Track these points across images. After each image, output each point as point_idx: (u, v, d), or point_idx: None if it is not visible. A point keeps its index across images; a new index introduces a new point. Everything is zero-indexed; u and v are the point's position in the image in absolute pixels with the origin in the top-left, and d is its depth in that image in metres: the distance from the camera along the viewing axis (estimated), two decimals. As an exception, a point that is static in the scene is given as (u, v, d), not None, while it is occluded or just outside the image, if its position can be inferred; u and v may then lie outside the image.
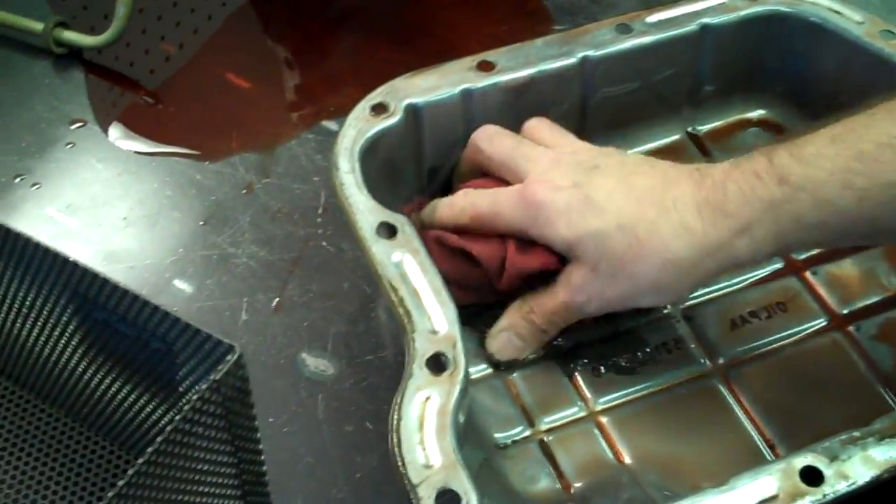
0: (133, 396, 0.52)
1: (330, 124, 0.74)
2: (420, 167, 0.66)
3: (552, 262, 0.58)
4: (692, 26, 0.67)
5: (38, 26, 0.77)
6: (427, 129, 0.64)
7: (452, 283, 0.56)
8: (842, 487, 0.47)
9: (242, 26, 0.84)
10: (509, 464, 0.56)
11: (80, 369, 0.54)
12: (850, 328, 0.62)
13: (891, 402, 0.58)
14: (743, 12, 0.68)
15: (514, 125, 0.65)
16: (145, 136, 0.74)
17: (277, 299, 0.65)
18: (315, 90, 0.79)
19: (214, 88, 0.78)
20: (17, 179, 0.71)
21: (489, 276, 0.59)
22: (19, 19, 0.78)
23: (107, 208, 0.69)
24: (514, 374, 0.60)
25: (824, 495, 0.47)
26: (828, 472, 0.47)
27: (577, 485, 0.56)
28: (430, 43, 0.81)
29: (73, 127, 0.75)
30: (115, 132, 0.74)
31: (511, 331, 0.60)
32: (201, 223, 0.69)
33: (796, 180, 0.51)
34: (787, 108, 0.73)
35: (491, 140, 0.62)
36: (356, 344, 0.63)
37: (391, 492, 0.57)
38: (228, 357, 0.42)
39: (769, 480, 0.47)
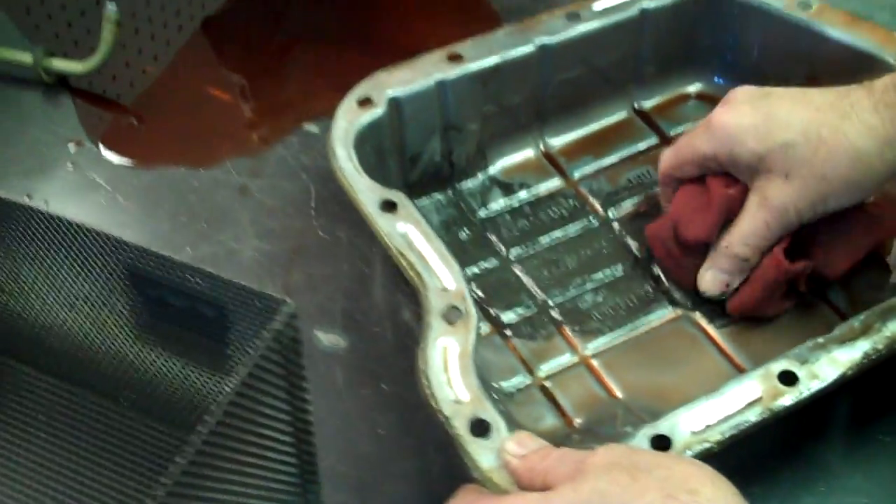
0: (189, 372, 0.57)
1: (310, 127, 0.80)
2: (402, 155, 0.72)
3: (729, 191, 0.64)
4: (633, 11, 0.75)
5: (28, 58, 0.81)
6: (407, 118, 0.70)
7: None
8: (815, 385, 0.54)
9: (217, 40, 0.89)
10: (517, 408, 0.63)
11: (131, 354, 0.58)
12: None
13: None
14: (679, -3, 0.76)
15: (483, 112, 0.72)
16: (138, 151, 0.79)
17: (284, 284, 0.70)
18: (291, 99, 0.84)
19: (197, 102, 0.83)
20: (27, 198, 0.75)
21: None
22: (7, 52, 0.82)
23: (111, 218, 0.74)
24: (510, 334, 0.67)
25: (800, 393, 0.54)
26: (801, 373, 0.55)
27: (578, 420, 0.62)
28: (395, 50, 0.87)
29: (71, 148, 0.79)
30: (111, 150, 0.79)
31: (714, 268, 0.65)
32: (204, 224, 0.74)
33: None
34: (721, 80, 0.80)
35: (680, 145, 0.67)
36: (362, 318, 0.69)
37: (412, 443, 0.62)
38: (284, 309, 0.48)
39: (753, 384, 0.54)
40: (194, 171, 0.78)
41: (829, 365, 0.55)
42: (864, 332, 0.56)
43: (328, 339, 0.67)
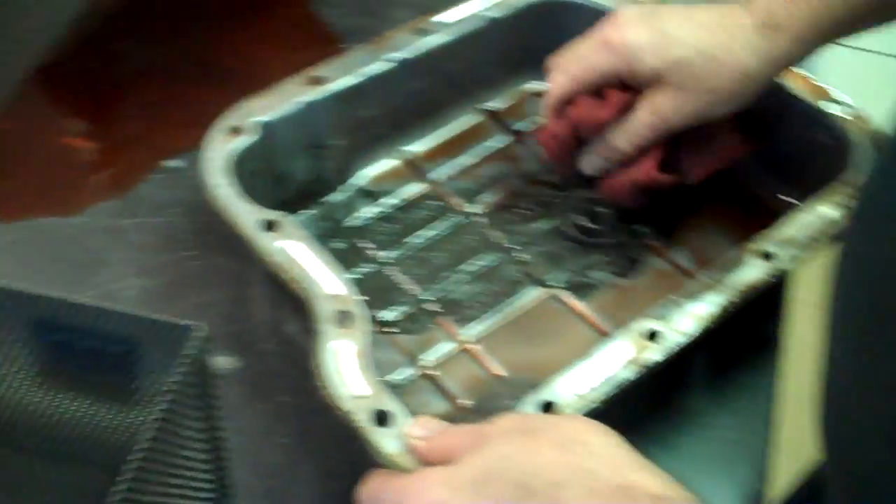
0: (98, 410, 0.58)
1: (174, 162, 0.82)
2: (273, 176, 0.75)
3: (629, 98, 0.70)
4: (479, 22, 0.80)
5: None
6: (276, 142, 0.73)
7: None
8: (679, 339, 0.60)
9: (56, 87, 0.90)
10: (407, 399, 0.66)
11: (43, 402, 0.58)
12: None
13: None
14: (518, 6, 0.82)
15: (346, 128, 0.76)
16: (1, 209, 0.79)
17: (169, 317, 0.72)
18: (143, 136, 0.85)
19: (51, 152, 0.84)
20: None
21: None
22: None
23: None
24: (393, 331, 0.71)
25: (667, 347, 0.60)
26: (664, 329, 0.60)
27: (466, 402, 0.67)
28: (240, 80, 0.89)
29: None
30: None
31: (595, 153, 0.73)
32: (80, 269, 0.75)
33: None
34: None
35: (577, 62, 0.72)
36: (250, 338, 0.71)
37: (314, 447, 0.66)
38: (196, 333, 0.50)
39: (624, 345, 0.60)
40: (62, 219, 0.79)
41: (688, 319, 0.61)
42: (715, 285, 0.62)
43: (220, 361, 0.70)
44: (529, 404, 0.57)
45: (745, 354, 0.69)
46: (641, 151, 0.72)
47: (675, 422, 0.66)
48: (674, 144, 0.72)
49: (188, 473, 0.54)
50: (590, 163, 0.74)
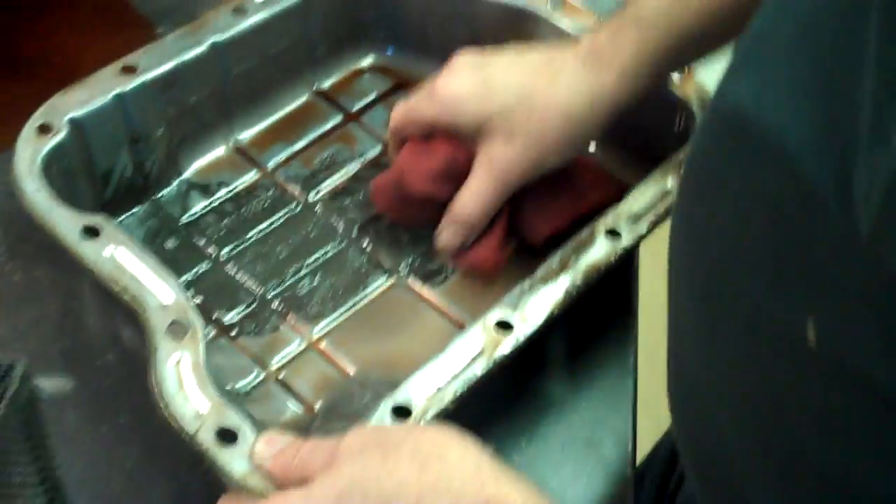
0: None
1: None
2: (93, 175, 0.70)
3: (454, 149, 0.67)
4: (295, -1, 0.76)
5: None
6: (91, 138, 0.69)
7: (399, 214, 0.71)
8: (529, 328, 0.59)
9: None
10: (256, 406, 0.64)
11: None
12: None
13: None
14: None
15: (168, 118, 0.72)
16: None
17: (-10, 341, 0.67)
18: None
19: None
20: None
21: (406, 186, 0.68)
22: None
23: None
24: (236, 333, 0.67)
25: (517, 339, 0.58)
26: (514, 319, 0.59)
27: (318, 404, 0.64)
28: (50, 72, 0.83)
29: None
30: None
31: (447, 229, 0.68)
32: None
33: (647, 17, 0.65)
34: (391, 51, 0.84)
35: (407, 109, 0.69)
36: (82, 355, 0.67)
37: (163, 469, 0.62)
38: (16, 371, 0.46)
39: (473, 338, 0.58)
40: None
41: (537, 306, 0.60)
42: (563, 268, 0.61)
43: (52, 384, 0.65)
44: (382, 409, 0.55)
45: (601, 332, 0.68)
46: (490, 218, 0.69)
47: (536, 408, 0.65)
48: (517, 203, 0.69)
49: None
50: (447, 242, 0.69)
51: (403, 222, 0.72)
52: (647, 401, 0.67)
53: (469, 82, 0.66)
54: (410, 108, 0.69)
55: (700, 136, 0.47)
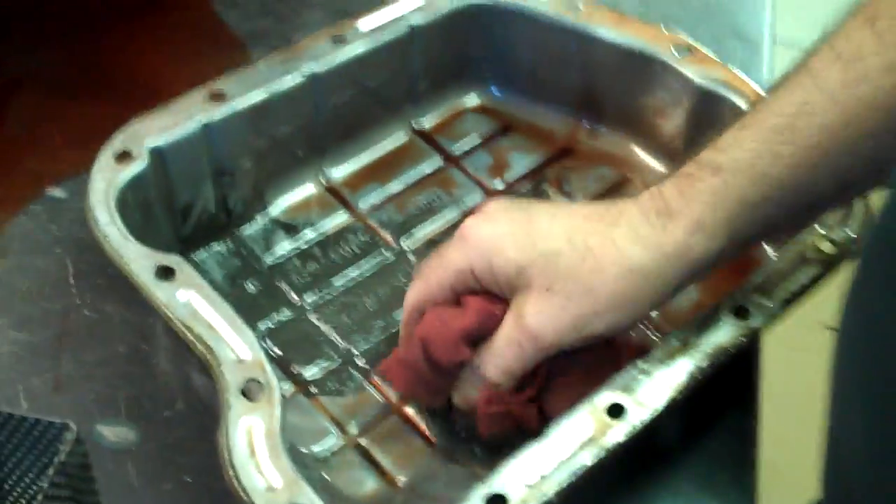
0: None
1: (55, 192, 0.71)
2: (172, 209, 0.65)
3: (489, 304, 0.55)
4: (401, 29, 0.71)
5: None
6: (173, 168, 0.64)
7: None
8: (645, 414, 0.52)
9: None
10: (334, 475, 0.58)
11: None
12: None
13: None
14: (444, 10, 0.73)
15: (256, 150, 0.67)
16: None
17: (54, 378, 0.62)
18: (21, 158, 0.74)
19: None
20: None
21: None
22: None
23: None
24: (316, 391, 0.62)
25: (633, 426, 0.51)
26: (628, 403, 0.52)
27: (402, 478, 0.58)
28: (133, 91, 0.79)
29: None
30: None
31: (466, 386, 0.57)
32: (-55, 319, 0.65)
33: (727, 165, 0.52)
34: (497, 90, 0.78)
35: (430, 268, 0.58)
36: (149, 403, 0.61)
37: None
38: (67, 435, 0.41)
39: (581, 423, 0.51)
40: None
41: (655, 390, 0.53)
42: (685, 350, 0.54)
43: (114, 433, 0.60)
44: (476, 498, 0.48)
45: (719, 419, 0.61)
46: (519, 382, 0.56)
47: (645, 501, 0.58)
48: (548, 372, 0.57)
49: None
50: (464, 400, 0.57)
51: (430, 401, 0.60)
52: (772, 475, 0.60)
53: (507, 224, 0.55)
54: (433, 267, 0.57)
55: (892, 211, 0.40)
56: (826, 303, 0.49)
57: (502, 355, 0.55)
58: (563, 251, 0.53)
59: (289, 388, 0.61)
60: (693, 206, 0.53)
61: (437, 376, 0.57)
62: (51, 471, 0.40)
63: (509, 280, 0.54)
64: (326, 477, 0.57)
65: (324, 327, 0.64)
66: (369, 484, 0.58)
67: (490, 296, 0.56)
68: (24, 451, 0.43)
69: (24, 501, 0.47)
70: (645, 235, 0.53)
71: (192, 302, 0.55)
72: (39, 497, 0.39)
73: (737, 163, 0.52)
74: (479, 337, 0.56)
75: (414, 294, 0.58)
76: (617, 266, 0.53)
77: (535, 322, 0.53)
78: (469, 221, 0.56)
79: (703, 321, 0.56)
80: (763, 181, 0.52)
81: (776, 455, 0.61)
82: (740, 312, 0.56)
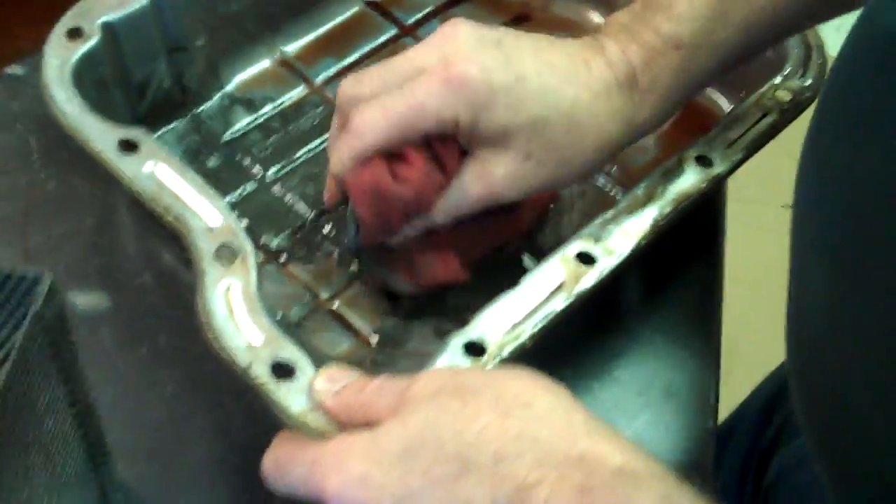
0: None
1: (12, 69, 0.70)
2: (128, 84, 0.64)
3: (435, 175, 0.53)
4: None
5: None
6: (126, 44, 0.63)
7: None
8: (612, 261, 0.53)
9: None
10: (310, 336, 0.59)
11: None
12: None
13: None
14: None
15: (208, 26, 0.66)
16: None
17: (23, 250, 0.62)
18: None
19: None
20: None
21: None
22: None
23: None
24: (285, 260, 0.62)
25: (601, 272, 0.53)
26: (597, 251, 0.53)
27: (374, 337, 0.59)
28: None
29: None
30: None
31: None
32: (-90, 196, 0.64)
33: (688, 40, 0.54)
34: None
35: (358, 80, 0.54)
36: (119, 273, 0.62)
37: (204, 397, 0.57)
38: (40, 287, 0.41)
39: (552, 272, 0.52)
40: None
41: (622, 237, 0.54)
42: (649, 198, 0.55)
43: (86, 300, 0.60)
44: (453, 346, 0.49)
45: (683, 272, 0.63)
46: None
47: (610, 350, 0.60)
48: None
49: (52, 447, 0.45)
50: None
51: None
52: (732, 351, 0.62)
53: (499, 74, 0.51)
54: (414, 99, 0.51)
55: (842, 66, 0.41)
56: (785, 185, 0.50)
57: (458, 206, 0.54)
58: (551, 120, 0.52)
59: (258, 258, 0.61)
60: (660, 82, 0.54)
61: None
62: (26, 322, 0.40)
63: (488, 138, 0.52)
64: (301, 338, 0.58)
65: (288, 198, 0.65)
66: (344, 344, 0.59)
67: (439, 143, 0.53)
68: (-1, 303, 0.43)
69: (2, 355, 0.46)
70: (620, 109, 0.54)
71: (158, 174, 0.55)
72: (15, 350, 0.39)
73: (695, 37, 0.54)
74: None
75: (374, 134, 0.52)
76: (596, 142, 0.53)
77: (502, 183, 0.53)
78: (461, 68, 0.51)
79: (666, 171, 0.57)
80: (721, 50, 0.55)
81: (738, 332, 0.63)
82: (703, 161, 0.57)
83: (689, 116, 0.66)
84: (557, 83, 0.53)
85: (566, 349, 0.58)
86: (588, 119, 0.53)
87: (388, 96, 0.52)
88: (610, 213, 0.55)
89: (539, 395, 0.41)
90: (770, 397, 0.73)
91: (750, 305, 0.82)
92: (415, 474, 0.40)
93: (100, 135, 0.56)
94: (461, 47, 0.52)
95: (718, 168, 0.57)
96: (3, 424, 0.39)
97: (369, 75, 0.54)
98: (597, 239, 0.54)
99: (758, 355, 0.75)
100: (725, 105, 0.70)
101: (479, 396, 0.41)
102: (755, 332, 0.70)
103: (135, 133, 0.56)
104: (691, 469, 0.56)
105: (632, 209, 0.55)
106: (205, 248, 0.52)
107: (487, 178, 0.53)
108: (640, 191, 0.56)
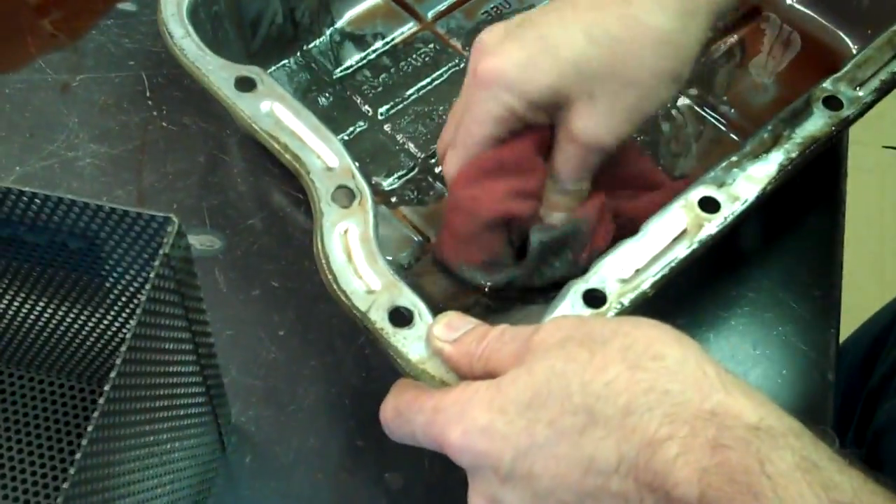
0: (69, 315, 0.50)
1: (125, 6, 0.71)
2: (241, 21, 0.64)
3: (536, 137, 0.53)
4: None
5: None
6: (241, -19, 0.63)
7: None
8: (737, 208, 0.52)
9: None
10: (420, 281, 0.58)
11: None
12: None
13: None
14: None
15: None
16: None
17: (137, 190, 0.63)
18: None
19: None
20: None
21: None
22: None
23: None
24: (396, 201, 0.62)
25: (724, 218, 0.51)
26: (721, 197, 0.52)
27: (487, 284, 0.58)
28: None
29: None
30: None
31: (553, 203, 0.55)
32: (28, 135, 0.65)
33: None
34: None
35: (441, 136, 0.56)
36: (233, 212, 0.62)
37: (317, 338, 0.58)
38: (169, 228, 0.41)
39: (675, 218, 0.51)
40: (4, 75, 0.68)
41: (747, 183, 0.52)
42: (775, 142, 0.54)
43: (200, 241, 0.61)
44: (573, 294, 0.49)
45: (802, 215, 0.61)
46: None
47: (727, 299, 0.58)
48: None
49: (176, 387, 0.46)
50: (559, 218, 0.55)
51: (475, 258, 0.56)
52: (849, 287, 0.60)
53: (521, 53, 0.51)
54: (464, 133, 0.53)
55: None
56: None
57: (567, 173, 0.53)
58: (589, 53, 0.50)
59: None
60: None
61: (483, 233, 0.55)
62: (156, 262, 0.40)
63: (550, 104, 0.51)
64: (411, 282, 0.58)
65: (399, 137, 0.64)
66: (453, 288, 0.58)
67: (525, 132, 0.53)
68: (127, 244, 0.43)
69: (128, 295, 0.47)
70: (664, 3, 0.50)
71: (276, 112, 0.54)
72: (146, 289, 0.39)
73: None
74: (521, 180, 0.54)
75: (455, 169, 0.54)
76: (649, 44, 0.50)
77: (588, 132, 0.52)
78: (481, 66, 0.51)
79: (792, 113, 0.55)
80: None
81: (855, 265, 0.61)
82: (831, 102, 0.55)
83: (809, 55, 0.64)
84: (581, 18, 0.51)
85: (681, 297, 0.57)
86: (628, 30, 0.50)
87: (458, 130, 0.54)
88: (734, 157, 0.53)
89: (670, 346, 0.40)
90: (876, 339, 0.71)
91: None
92: (540, 424, 0.40)
93: (218, 72, 0.56)
94: (485, 47, 0.52)
95: (847, 110, 0.55)
96: (134, 366, 0.39)
97: (446, 127, 0.56)
98: (720, 184, 0.52)
99: (857, 298, 0.73)
100: (848, 43, 0.67)
101: (607, 346, 0.40)
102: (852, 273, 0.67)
103: (252, 71, 0.56)
104: (810, 424, 0.55)
105: (757, 153, 0.53)
106: (323, 188, 0.52)
107: (572, 135, 0.52)
108: (765, 133, 0.54)
